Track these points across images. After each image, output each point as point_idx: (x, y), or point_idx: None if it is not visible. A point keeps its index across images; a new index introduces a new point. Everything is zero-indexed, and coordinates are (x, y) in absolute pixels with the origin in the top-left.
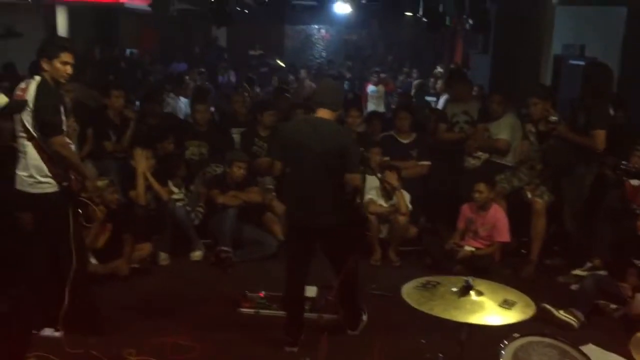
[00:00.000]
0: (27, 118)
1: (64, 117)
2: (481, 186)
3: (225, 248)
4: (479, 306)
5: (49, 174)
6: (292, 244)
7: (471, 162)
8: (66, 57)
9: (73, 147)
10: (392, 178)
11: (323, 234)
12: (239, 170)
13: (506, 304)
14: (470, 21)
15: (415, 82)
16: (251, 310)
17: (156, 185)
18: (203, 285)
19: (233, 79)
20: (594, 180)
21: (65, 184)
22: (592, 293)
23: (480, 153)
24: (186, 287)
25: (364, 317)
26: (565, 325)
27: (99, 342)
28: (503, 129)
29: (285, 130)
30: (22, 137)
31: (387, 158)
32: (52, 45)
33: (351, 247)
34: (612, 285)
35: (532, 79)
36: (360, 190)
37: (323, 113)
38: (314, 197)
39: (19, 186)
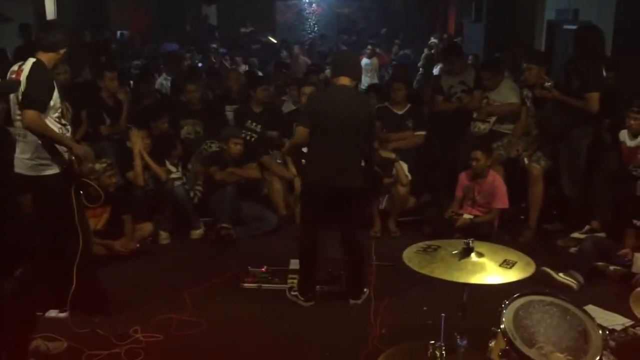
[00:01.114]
0: None
1: (57, 100)
2: (478, 154)
3: (226, 225)
4: (479, 267)
5: (49, 155)
6: (310, 204)
7: (481, 127)
8: (63, 50)
9: (69, 128)
10: (388, 152)
11: (346, 194)
12: (235, 147)
13: (506, 264)
14: None
15: (425, 54)
16: (254, 285)
17: (153, 165)
18: (205, 262)
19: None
20: (590, 144)
21: (64, 166)
22: (590, 255)
23: (491, 117)
24: (188, 265)
25: (365, 289)
26: (565, 287)
27: (104, 321)
28: (506, 94)
29: (317, 98)
30: (20, 119)
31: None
32: (48, 38)
33: (364, 213)
34: (611, 246)
35: (526, 45)
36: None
37: (345, 81)
38: (343, 159)
39: (18, 169)
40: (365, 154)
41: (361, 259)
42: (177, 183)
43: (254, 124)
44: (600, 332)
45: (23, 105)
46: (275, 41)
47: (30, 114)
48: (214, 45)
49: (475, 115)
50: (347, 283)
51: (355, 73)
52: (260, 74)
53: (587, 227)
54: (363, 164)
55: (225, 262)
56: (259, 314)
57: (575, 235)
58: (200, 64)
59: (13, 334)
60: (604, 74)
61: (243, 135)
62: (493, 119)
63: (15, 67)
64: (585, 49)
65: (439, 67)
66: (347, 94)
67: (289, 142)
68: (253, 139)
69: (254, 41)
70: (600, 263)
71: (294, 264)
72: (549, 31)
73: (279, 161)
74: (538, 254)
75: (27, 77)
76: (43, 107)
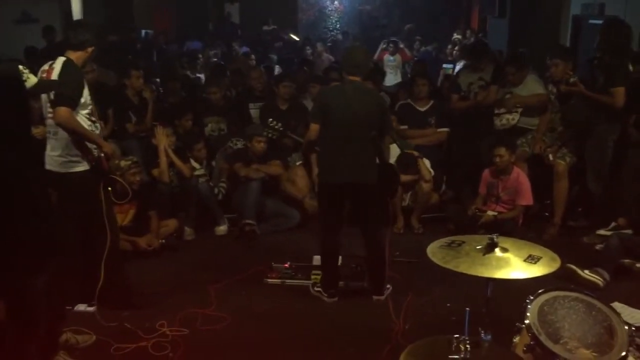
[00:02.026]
0: None
1: (88, 97)
2: (502, 150)
3: (250, 221)
4: (504, 262)
5: (79, 152)
6: (326, 203)
7: (509, 117)
8: (90, 49)
9: (98, 126)
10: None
11: (360, 191)
12: (259, 145)
13: (531, 259)
14: None
15: None
16: (277, 281)
17: (178, 162)
18: (229, 258)
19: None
20: (617, 140)
21: (94, 162)
22: (617, 252)
23: (518, 108)
24: (213, 260)
25: (388, 286)
26: (591, 284)
27: (132, 315)
28: (533, 87)
29: (326, 94)
30: (52, 117)
31: (404, 126)
32: (77, 37)
33: (384, 207)
34: (637, 243)
35: (551, 41)
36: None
37: (355, 79)
38: (356, 155)
39: (49, 166)
40: (379, 149)
41: (381, 256)
42: (202, 180)
43: (275, 122)
44: (626, 327)
45: (55, 102)
46: (297, 39)
47: (62, 110)
48: (235, 45)
49: (496, 110)
50: (369, 280)
51: (362, 71)
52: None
53: (613, 224)
54: (377, 160)
55: (249, 258)
56: (282, 309)
57: (601, 232)
58: (222, 62)
59: (44, 327)
60: (630, 68)
61: (265, 134)
62: (520, 109)
63: (45, 67)
64: (611, 43)
65: (461, 64)
66: (357, 89)
67: (304, 140)
68: (275, 137)
69: (277, 39)
70: (626, 260)
71: (317, 260)
72: (574, 26)
73: (298, 163)
74: (563, 251)
75: (59, 75)
76: (74, 104)
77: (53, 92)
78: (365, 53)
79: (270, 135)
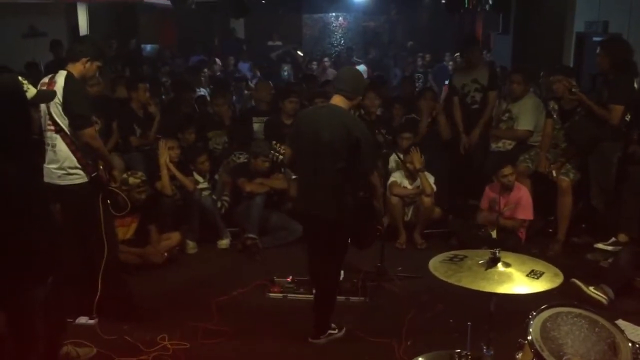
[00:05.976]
0: (55, 110)
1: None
2: (508, 170)
3: (252, 235)
4: (506, 277)
5: (78, 165)
6: (303, 229)
7: (505, 142)
8: (85, 59)
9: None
10: (416, 159)
11: (319, 225)
12: (263, 164)
13: (534, 274)
14: (490, 1)
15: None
16: (280, 295)
17: (180, 176)
18: (231, 272)
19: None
20: (620, 157)
21: (94, 174)
22: (630, 267)
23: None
24: (215, 274)
25: (333, 330)
26: (595, 302)
27: (132, 328)
28: (524, 112)
29: (300, 117)
30: (50, 129)
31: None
32: (73, 49)
33: (340, 249)
34: None
35: (554, 58)
36: (376, 190)
37: (338, 100)
38: (317, 186)
39: (47, 179)
40: (350, 181)
41: (325, 297)
42: (205, 193)
43: (279, 145)
44: (630, 345)
45: (77, 127)
46: (301, 54)
47: (89, 131)
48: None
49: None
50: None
51: (354, 90)
52: None
53: (612, 239)
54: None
55: (251, 271)
56: (284, 323)
57: (600, 246)
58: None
59: (45, 340)
60: (636, 86)
61: (270, 156)
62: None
63: (45, 80)
64: (613, 60)
65: None
66: (329, 113)
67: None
68: (279, 160)
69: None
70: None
71: None
72: (578, 43)
73: (294, 177)
74: (566, 267)
75: (66, 95)
76: (92, 121)
77: (69, 115)
78: (355, 71)
79: (275, 158)
